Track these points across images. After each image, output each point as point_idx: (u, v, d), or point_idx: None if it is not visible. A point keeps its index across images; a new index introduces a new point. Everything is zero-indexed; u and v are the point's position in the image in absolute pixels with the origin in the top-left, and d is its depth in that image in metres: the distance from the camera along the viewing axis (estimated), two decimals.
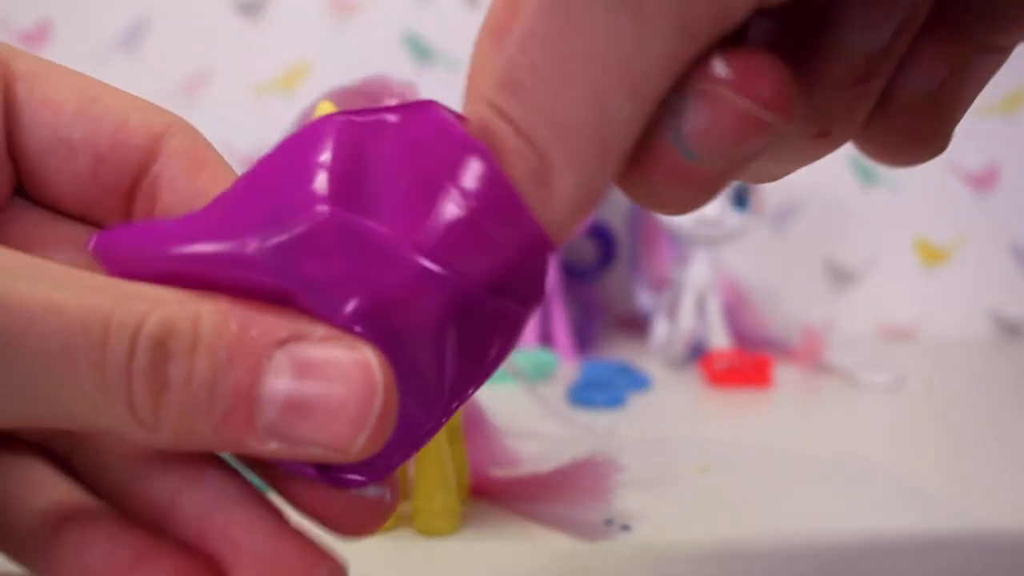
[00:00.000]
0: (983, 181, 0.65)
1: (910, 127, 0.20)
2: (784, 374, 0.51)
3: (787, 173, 0.20)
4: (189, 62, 0.63)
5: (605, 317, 0.62)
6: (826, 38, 0.18)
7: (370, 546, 0.27)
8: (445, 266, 0.16)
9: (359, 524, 0.18)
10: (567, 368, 0.52)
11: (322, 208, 0.15)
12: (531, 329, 0.55)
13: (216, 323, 0.15)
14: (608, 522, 0.29)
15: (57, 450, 0.19)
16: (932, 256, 0.65)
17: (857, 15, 0.17)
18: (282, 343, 0.16)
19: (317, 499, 0.18)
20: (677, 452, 0.37)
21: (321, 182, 0.16)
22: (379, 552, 0.27)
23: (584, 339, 0.57)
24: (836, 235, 0.66)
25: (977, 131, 0.64)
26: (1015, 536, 0.29)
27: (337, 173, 0.16)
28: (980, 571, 0.26)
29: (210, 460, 0.18)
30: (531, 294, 0.17)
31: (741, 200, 0.52)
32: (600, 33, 0.15)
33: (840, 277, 0.66)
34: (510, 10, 0.16)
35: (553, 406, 0.40)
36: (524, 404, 0.40)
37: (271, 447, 0.16)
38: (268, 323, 0.16)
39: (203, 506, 0.17)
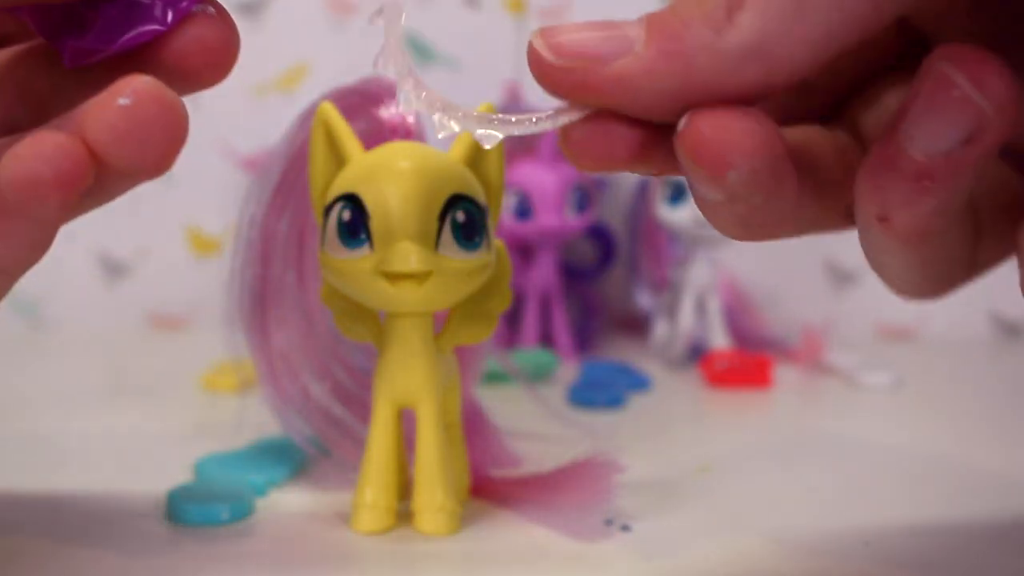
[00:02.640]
0: None
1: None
2: (784, 374, 0.51)
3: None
4: None
5: (605, 317, 0.62)
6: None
7: (369, 546, 0.27)
8: None
9: (206, 51, 0.21)
10: (567, 368, 0.52)
11: None
12: (531, 329, 0.55)
13: None
14: (608, 522, 0.29)
15: None
16: None
17: (921, 111, 0.17)
18: None
19: (159, 51, 0.21)
20: (677, 452, 0.37)
21: None
22: (379, 552, 0.27)
23: (584, 339, 0.57)
24: (836, 235, 0.65)
25: None
26: (1016, 534, 0.29)
27: None
28: (980, 569, 0.26)
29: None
30: None
31: None
32: None
33: (840, 277, 0.66)
34: None
35: (553, 406, 0.40)
36: (524, 404, 0.40)
37: None
38: None
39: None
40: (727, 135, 0.17)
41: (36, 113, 0.23)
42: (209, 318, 0.59)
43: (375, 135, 0.28)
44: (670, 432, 0.41)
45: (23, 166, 0.19)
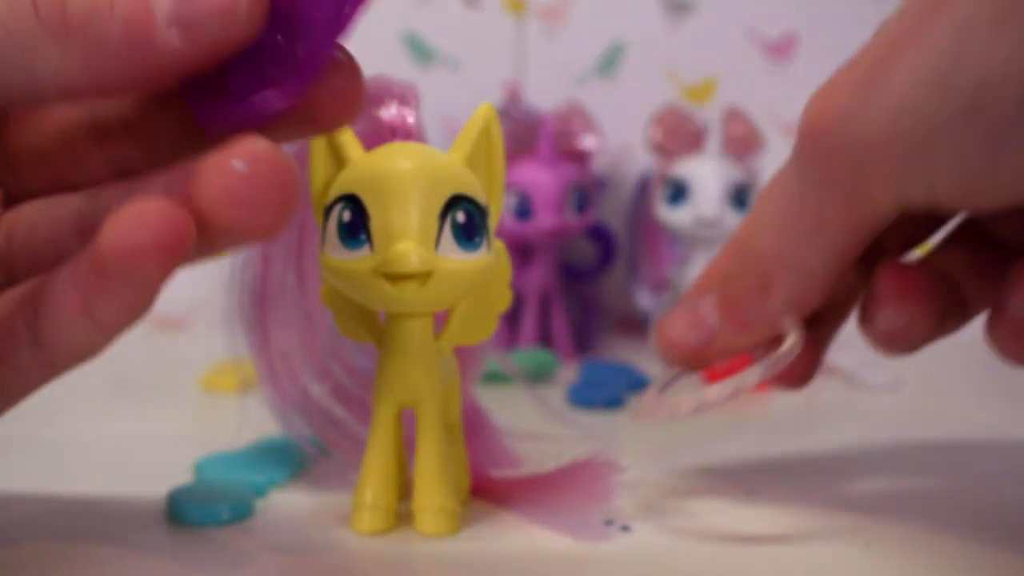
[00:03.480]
0: None
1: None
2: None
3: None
4: None
5: (605, 318, 0.62)
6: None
7: (369, 546, 0.27)
8: None
9: (335, 99, 0.21)
10: (567, 369, 0.52)
11: None
12: (531, 329, 0.55)
13: None
14: (608, 523, 0.29)
15: None
16: None
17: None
18: None
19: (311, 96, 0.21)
20: (677, 452, 0.37)
21: None
22: (379, 552, 0.27)
23: (584, 339, 0.57)
24: None
25: None
26: (1016, 535, 0.29)
27: None
28: (980, 570, 0.26)
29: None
30: None
31: (741, 200, 0.52)
32: (805, 208, 0.25)
33: None
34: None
35: (553, 406, 0.40)
36: (524, 404, 0.40)
37: (174, 38, 0.19)
38: None
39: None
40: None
41: (149, 156, 0.23)
42: (209, 318, 0.58)
43: (375, 135, 0.28)
44: (670, 432, 0.41)
45: (124, 232, 0.18)
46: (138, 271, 0.19)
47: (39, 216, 0.23)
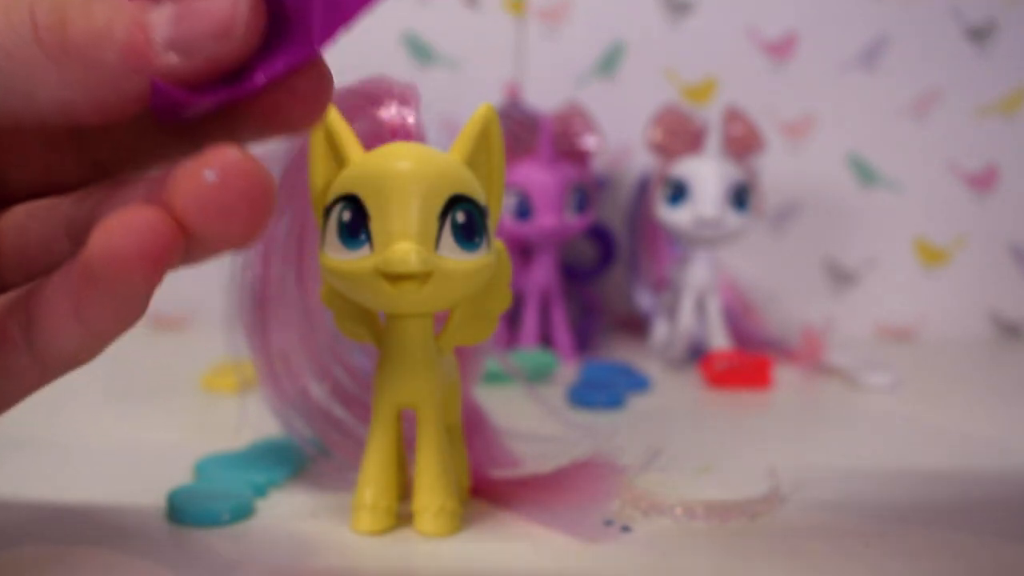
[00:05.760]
0: (983, 182, 0.65)
1: None
2: (784, 375, 0.51)
3: None
4: None
5: (605, 318, 0.62)
6: None
7: (369, 547, 0.27)
8: None
9: (298, 101, 0.21)
10: (567, 369, 0.52)
11: None
12: (531, 329, 0.55)
13: None
14: (608, 522, 0.29)
15: None
16: (932, 257, 0.65)
17: None
18: None
19: (250, 101, 0.20)
20: (677, 453, 0.37)
21: None
22: (379, 553, 0.27)
23: (584, 340, 0.57)
24: (836, 235, 0.66)
25: (977, 132, 0.64)
26: (1016, 535, 0.29)
27: None
28: (980, 571, 0.26)
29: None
30: None
31: (740, 201, 0.52)
32: None
33: (840, 277, 0.66)
34: None
35: (553, 407, 0.40)
36: (524, 405, 0.40)
37: (172, 60, 0.19)
38: None
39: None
40: None
41: (128, 155, 0.23)
42: (209, 318, 0.59)
43: (375, 136, 0.28)
44: (670, 432, 0.41)
45: (111, 242, 0.18)
46: (125, 280, 0.19)
47: (29, 220, 0.23)
